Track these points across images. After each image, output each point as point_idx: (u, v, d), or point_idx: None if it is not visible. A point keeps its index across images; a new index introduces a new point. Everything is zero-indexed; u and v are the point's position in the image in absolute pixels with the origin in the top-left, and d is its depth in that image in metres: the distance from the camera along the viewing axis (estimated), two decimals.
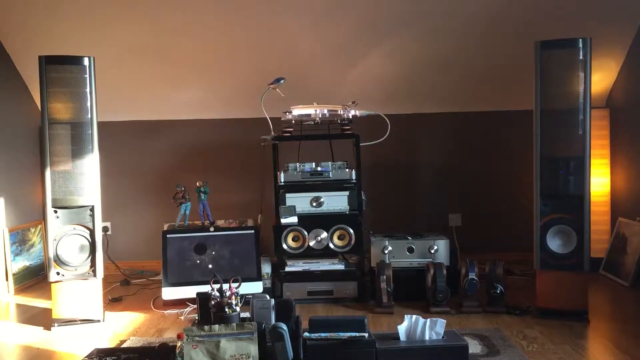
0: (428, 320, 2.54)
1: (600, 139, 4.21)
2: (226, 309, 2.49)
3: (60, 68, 3.28)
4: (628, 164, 4.12)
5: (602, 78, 4.25)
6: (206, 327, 2.40)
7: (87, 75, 3.31)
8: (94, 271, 3.35)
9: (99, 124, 3.36)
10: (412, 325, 2.56)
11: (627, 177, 4.13)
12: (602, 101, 4.37)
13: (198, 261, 3.69)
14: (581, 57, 3.15)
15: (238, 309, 2.54)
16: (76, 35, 4.05)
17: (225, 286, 2.61)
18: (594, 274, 4.00)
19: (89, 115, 3.32)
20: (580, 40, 3.15)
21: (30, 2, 3.86)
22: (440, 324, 2.53)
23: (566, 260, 3.22)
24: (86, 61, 3.31)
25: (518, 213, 4.39)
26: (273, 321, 2.51)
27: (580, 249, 3.19)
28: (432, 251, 3.68)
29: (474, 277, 3.40)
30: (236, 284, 2.61)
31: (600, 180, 4.22)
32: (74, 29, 4.02)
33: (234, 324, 2.43)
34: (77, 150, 3.31)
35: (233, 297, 2.54)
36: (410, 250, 3.71)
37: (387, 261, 3.63)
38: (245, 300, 2.69)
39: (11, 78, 4.29)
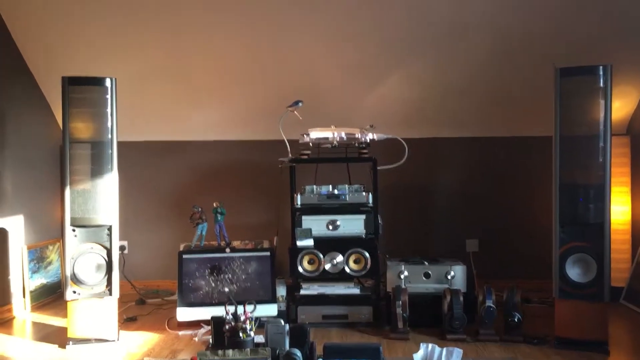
0: (444, 349, 2.51)
1: (621, 166, 4.16)
2: (240, 334, 2.48)
3: (82, 89, 3.33)
4: None
5: (622, 105, 4.22)
6: (220, 352, 2.40)
7: (109, 96, 3.36)
8: (110, 290, 3.36)
9: (119, 143, 3.39)
10: (428, 354, 2.53)
11: None
12: (623, 128, 4.33)
13: (213, 282, 3.69)
14: (602, 85, 3.13)
15: (252, 333, 2.53)
16: (98, 56, 4.11)
17: (240, 310, 2.61)
18: (614, 303, 3.93)
19: (109, 135, 3.36)
20: (601, 67, 3.13)
21: (54, 24, 3.94)
22: (457, 353, 2.50)
23: (586, 290, 3.16)
24: (108, 82, 3.36)
25: (536, 240, 4.34)
26: (287, 347, 2.50)
27: (600, 278, 3.14)
28: (449, 277, 3.64)
29: (492, 305, 3.36)
30: (251, 308, 2.61)
31: (620, 209, 4.16)
32: (96, 50, 4.09)
33: (248, 349, 2.42)
34: (97, 169, 3.35)
35: (247, 321, 2.53)
36: (427, 275, 3.68)
37: (403, 286, 3.60)
38: (260, 323, 2.69)
39: (34, 98, 4.36)
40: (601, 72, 3.13)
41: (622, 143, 4.20)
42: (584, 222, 3.17)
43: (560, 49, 3.90)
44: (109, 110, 3.35)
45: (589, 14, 3.73)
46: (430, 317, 3.55)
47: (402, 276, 3.65)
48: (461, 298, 3.42)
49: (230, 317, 2.57)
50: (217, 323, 2.65)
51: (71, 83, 3.31)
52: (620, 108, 4.21)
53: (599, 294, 3.13)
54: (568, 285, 3.19)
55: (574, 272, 3.19)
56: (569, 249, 3.19)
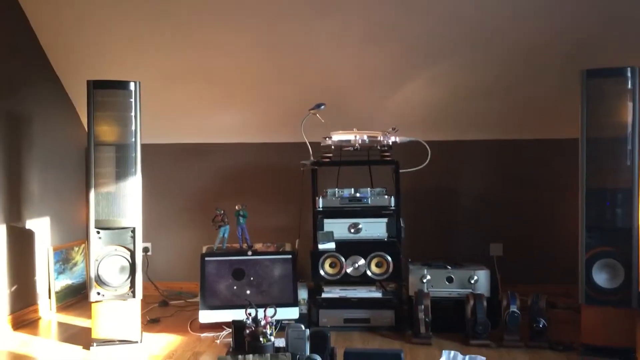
0: (467, 356, 2.48)
1: None
2: (261, 339, 2.48)
3: (107, 92, 3.37)
4: None
5: None
6: (240, 357, 2.40)
7: (133, 100, 3.39)
8: (133, 292, 3.39)
9: (142, 146, 3.42)
10: None
11: None
12: None
13: (235, 285, 3.70)
14: (630, 86, 3.06)
15: (273, 338, 2.53)
16: (123, 59, 4.16)
17: (261, 314, 2.61)
18: None
19: (133, 139, 3.39)
20: (629, 69, 3.06)
21: (80, 28, 3.99)
22: None
23: (613, 296, 3.10)
24: (132, 86, 3.39)
25: (562, 244, 4.26)
26: (308, 352, 2.49)
27: (627, 283, 3.07)
28: (472, 281, 3.60)
29: (516, 310, 3.31)
30: (271, 312, 2.60)
31: None
32: (121, 53, 4.13)
33: (268, 354, 2.41)
34: (121, 172, 3.38)
35: (268, 326, 2.53)
36: (450, 279, 3.64)
37: (426, 290, 3.56)
38: (281, 326, 2.68)
39: (60, 101, 4.42)
40: (629, 74, 3.06)
41: None
42: (611, 226, 3.10)
43: (585, 50, 3.83)
44: (133, 113, 3.39)
45: (614, 16, 3.66)
46: (453, 321, 3.52)
47: (424, 280, 3.62)
48: (485, 303, 3.38)
49: (250, 321, 2.57)
50: (237, 327, 2.65)
51: (96, 87, 3.35)
52: None
53: (627, 300, 3.07)
54: (595, 290, 3.13)
55: (600, 278, 3.13)
56: (595, 254, 3.13)
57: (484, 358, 2.47)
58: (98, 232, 3.37)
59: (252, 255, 3.78)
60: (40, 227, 4.13)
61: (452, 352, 2.50)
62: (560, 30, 3.78)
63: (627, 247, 3.08)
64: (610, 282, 3.12)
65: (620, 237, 3.09)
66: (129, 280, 3.39)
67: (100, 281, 3.35)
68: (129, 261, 3.39)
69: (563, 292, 4.18)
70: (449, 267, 3.69)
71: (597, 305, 3.13)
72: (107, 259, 3.37)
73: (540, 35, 3.83)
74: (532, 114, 4.33)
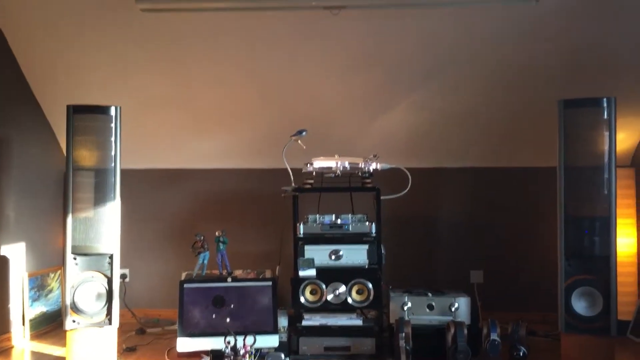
0: None
1: (626, 198, 4.13)
2: None
3: (87, 117, 3.35)
4: None
5: (626, 137, 4.20)
6: None
7: (113, 124, 3.37)
8: (110, 319, 3.33)
9: (122, 171, 3.39)
10: None
11: None
12: (627, 160, 4.31)
13: (214, 312, 3.65)
14: (605, 117, 3.13)
15: None
16: (103, 83, 4.14)
17: (240, 343, 2.57)
18: (621, 337, 3.86)
19: (113, 164, 3.36)
20: (605, 99, 3.13)
21: (60, 52, 3.97)
22: None
23: (592, 324, 3.12)
24: (113, 111, 3.37)
25: (542, 271, 4.28)
26: None
27: (606, 311, 3.10)
28: (453, 309, 3.60)
29: (496, 338, 3.31)
30: (251, 341, 2.57)
31: (626, 241, 4.12)
32: (101, 78, 4.12)
33: None
34: (100, 197, 3.34)
35: (247, 355, 2.49)
36: (431, 307, 3.63)
37: (407, 318, 3.55)
38: (261, 355, 2.64)
39: (39, 125, 4.38)
40: (605, 104, 3.13)
41: (626, 175, 4.18)
42: (589, 254, 3.14)
43: (564, 80, 3.91)
44: (113, 138, 3.36)
45: (593, 46, 3.75)
46: (434, 349, 3.50)
47: (405, 307, 3.61)
48: (465, 331, 3.37)
49: (229, 350, 2.53)
50: (216, 357, 2.61)
51: (76, 111, 3.33)
52: (625, 140, 4.20)
53: (606, 328, 3.09)
54: (574, 318, 3.14)
55: (580, 306, 3.15)
56: (574, 282, 3.16)
57: None
58: (75, 258, 3.31)
59: (231, 282, 3.73)
60: (16, 253, 4.05)
61: None
62: (539, 58, 3.86)
63: (605, 275, 3.11)
64: (589, 310, 3.14)
65: (598, 265, 3.13)
66: (106, 307, 3.32)
67: (75, 308, 3.28)
68: (106, 288, 3.33)
69: (543, 320, 4.19)
70: (430, 294, 3.68)
71: (577, 333, 3.15)
72: (83, 285, 3.30)
73: (519, 64, 3.90)
74: (512, 142, 4.39)
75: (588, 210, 3.14)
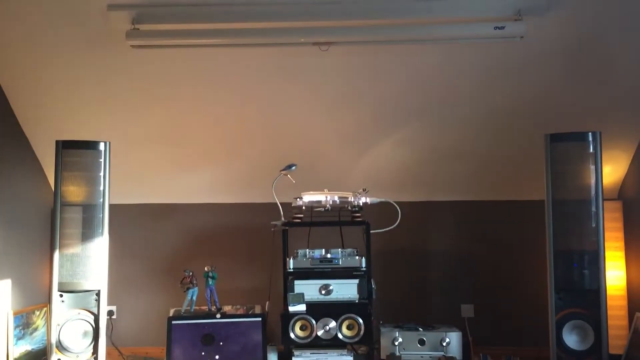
0: None
1: (614, 231, 4.14)
2: None
3: (76, 152, 3.36)
4: None
5: (613, 170, 4.25)
6: None
7: (102, 160, 3.38)
8: (96, 358, 3.27)
9: (110, 206, 3.38)
10: None
11: None
12: (614, 193, 4.35)
13: (203, 349, 3.59)
14: (591, 150, 3.17)
15: None
16: (92, 119, 4.14)
17: None
18: None
19: (102, 199, 3.35)
20: (590, 134, 3.18)
21: (49, 87, 3.98)
22: None
23: (584, 357, 3.11)
24: (102, 146, 3.38)
25: (532, 305, 4.26)
26: None
27: (598, 345, 3.09)
28: (444, 344, 3.58)
29: None
30: None
31: (615, 274, 4.12)
32: (90, 113, 4.10)
33: None
34: (87, 233, 3.32)
35: None
36: (422, 342, 3.61)
37: (398, 353, 3.53)
38: None
39: (27, 160, 4.36)
40: (590, 139, 3.18)
41: (614, 208, 4.20)
42: (579, 288, 3.14)
43: (551, 114, 3.96)
44: (102, 174, 3.37)
45: (579, 82, 3.81)
46: None
47: (396, 343, 3.59)
48: None
49: None
50: None
51: (65, 147, 3.33)
52: (611, 173, 4.24)
53: None
54: (566, 352, 3.14)
55: (571, 340, 3.14)
56: (565, 315, 3.16)
57: None
58: (61, 295, 3.27)
59: (220, 318, 3.69)
60: (1, 290, 3.98)
61: None
62: (527, 94, 3.90)
63: (595, 309, 3.11)
64: (581, 344, 3.13)
65: (589, 298, 3.13)
66: (92, 345, 3.27)
67: (61, 347, 3.23)
68: (92, 325, 3.29)
69: (535, 355, 4.15)
70: (421, 329, 3.66)
71: None
72: (69, 323, 3.26)
73: (507, 99, 3.94)
74: (499, 176, 4.41)
75: (577, 244, 3.16)
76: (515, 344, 4.26)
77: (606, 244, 3.20)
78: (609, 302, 3.24)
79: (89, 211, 3.34)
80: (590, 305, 3.11)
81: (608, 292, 3.21)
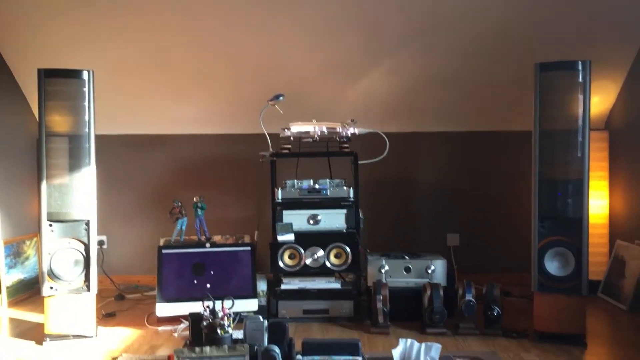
0: (423, 344, 2.52)
1: (600, 160, 4.20)
2: (218, 330, 2.47)
3: (59, 81, 3.28)
4: (627, 186, 4.11)
5: (601, 100, 4.25)
6: (197, 349, 2.38)
7: (86, 89, 3.31)
8: (88, 286, 3.32)
9: (97, 137, 3.35)
10: (407, 350, 2.53)
11: (626, 200, 4.11)
12: (602, 123, 4.36)
13: (193, 277, 3.66)
14: (580, 80, 3.14)
15: (230, 330, 2.51)
16: (75, 47, 4.05)
17: (218, 306, 2.59)
18: (592, 297, 3.97)
19: (87, 129, 3.31)
20: (580, 62, 3.14)
21: (31, 15, 3.86)
22: (436, 349, 2.51)
23: (564, 283, 3.19)
24: (85, 75, 3.30)
25: (516, 234, 4.36)
26: (266, 343, 2.49)
27: (578, 272, 3.16)
28: (429, 271, 3.65)
29: (471, 299, 3.37)
30: (229, 304, 2.59)
31: (598, 203, 4.20)
32: (73, 41, 4.02)
33: (226, 346, 2.40)
34: (74, 163, 3.30)
35: (225, 318, 2.51)
36: (407, 270, 3.68)
37: (384, 281, 3.60)
38: (240, 318, 2.67)
39: (10, 90, 4.28)
40: (580, 68, 3.14)
41: (600, 138, 4.24)
42: (562, 216, 3.19)
43: (540, 43, 3.91)
44: (86, 103, 3.30)
45: (570, 10, 3.75)
46: (411, 311, 3.56)
47: (382, 270, 3.66)
48: (441, 292, 3.43)
49: (208, 313, 2.55)
50: (194, 320, 2.63)
51: (47, 75, 3.25)
52: (599, 103, 4.25)
53: (577, 287, 3.16)
54: (547, 279, 3.21)
55: (552, 266, 3.22)
56: (547, 243, 3.22)
57: (439, 345, 2.51)
58: (50, 225, 3.28)
59: (210, 247, 3.74)
60: None
61: (409, 341, 2.54)
62: (517, 22, 3.84)
63: (577, 237, 3.17)
64: (561, 271, 3.20)
65: (571, 226, 3.18)
66: (84, 273, 3.31)
67: (53, 275, 3.27)
68: (83, 254, 3.31)
69: (517, 281, 4.28)
70: (407, 258, 3.73)
71: (549, 293, 3.22)
72: (60, 252, 3.28)
73: (497, 27, 3.89)
74: (488, 106, 4.40)
75: (562, 174, 3.18)
76: (500, 272, 4.37)
77: (591, 174, 3.23)
78: (592, 231, 3.30)
79: (75, 141, 3.30)
80: (573, 233, 3.17)
81: (591, 221, 3.26)
